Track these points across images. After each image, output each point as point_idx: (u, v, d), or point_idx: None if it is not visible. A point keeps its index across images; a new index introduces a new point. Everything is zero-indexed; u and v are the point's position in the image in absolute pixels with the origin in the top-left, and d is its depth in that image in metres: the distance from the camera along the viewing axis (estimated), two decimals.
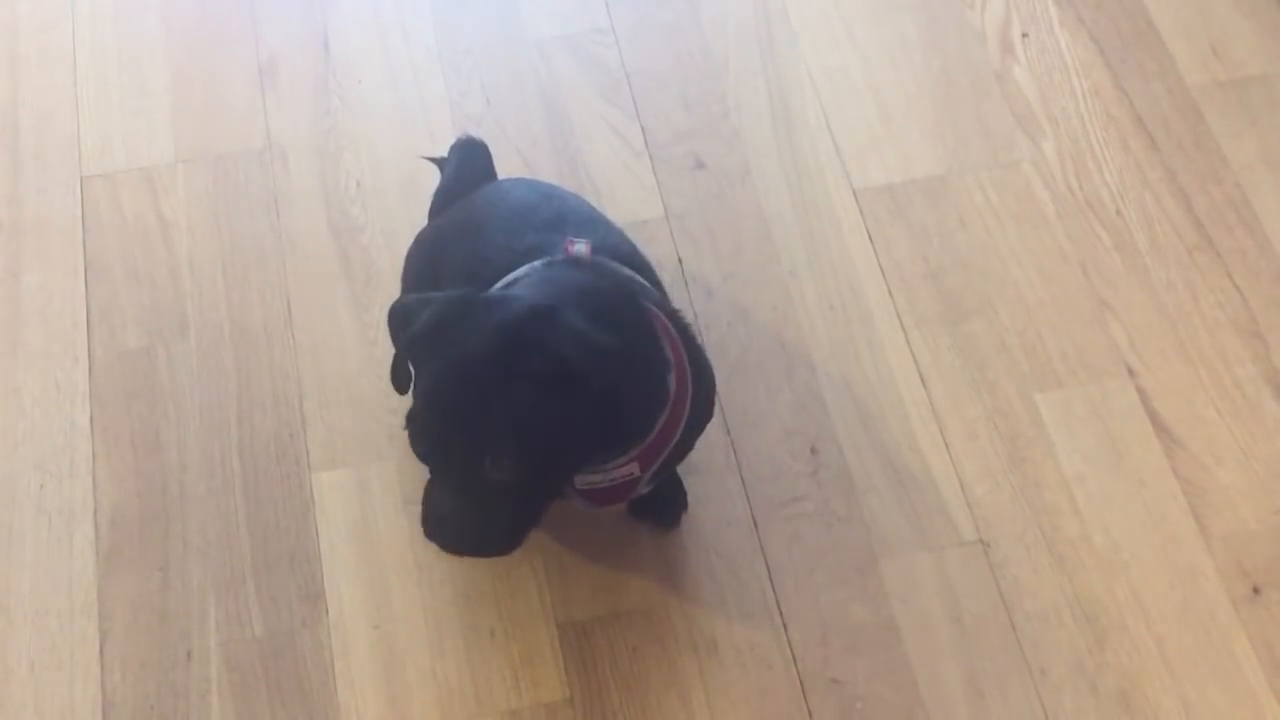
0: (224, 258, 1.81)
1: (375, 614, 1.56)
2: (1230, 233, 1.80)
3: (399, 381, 1.35)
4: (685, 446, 1.44)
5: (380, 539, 1.60)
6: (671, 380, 1.36)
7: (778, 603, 1.56)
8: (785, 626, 1.55)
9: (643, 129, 1.90)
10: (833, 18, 2.01)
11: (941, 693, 1.51)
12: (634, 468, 1.37)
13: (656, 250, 1.76)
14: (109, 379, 1.72)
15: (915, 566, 1.58)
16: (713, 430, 1.64)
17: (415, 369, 1.31)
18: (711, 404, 1.49)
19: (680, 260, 1.79)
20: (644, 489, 1.43)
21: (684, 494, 1.61)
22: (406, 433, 1.29)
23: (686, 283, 1.77)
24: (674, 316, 1.43)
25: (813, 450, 1.65)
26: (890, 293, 1.76)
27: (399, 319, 1.33)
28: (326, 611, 1.56)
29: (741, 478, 1.63)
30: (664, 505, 1.60)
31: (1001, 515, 1.61)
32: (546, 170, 1.86)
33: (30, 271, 1.81)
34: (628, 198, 1.83)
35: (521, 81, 1.95)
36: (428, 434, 1.27)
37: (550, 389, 1.21)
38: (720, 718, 1.50)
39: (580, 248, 1.38)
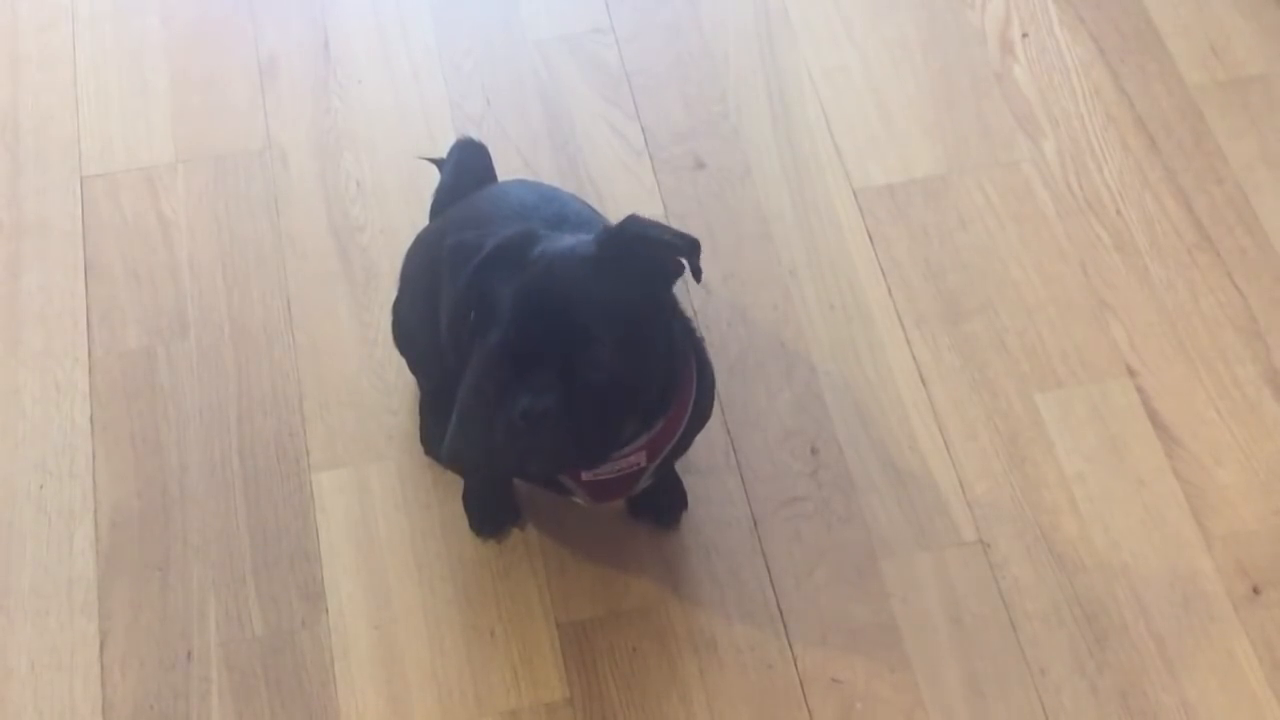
0: (224, 258, 1.81)
1: (375, 614, 1.56)
2: (1230, 233, 1.80)
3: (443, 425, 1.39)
4: (685, 443, 1.45)
5: (380, 539, 1.60)
6: (685, 365, 1.39)
7: (778, 603, 1.56)
8: (785, 626, 1.54)
9: (643, 129, 1.90)
10: (833, 18, 2.01)
11: (941, 693, 1.51)
12: (640, 457, 1.37)
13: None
14: (109, 379, 1.72)
15: (915, 566, 1.58)
16: (713, 430, 1.64)
17: (490, 290, 1.28)
18: (711, 401, 1.49)
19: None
20: (645, 483, 1.43)
21: (684, 493, 1.61)
22: (482, 357, 1.28)
23: (686, 282, 1.76)
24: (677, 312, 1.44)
25: (813, 450, 1.65)
26: (890, 293, 1.76)
27: (461, 252, 1.31)
28: (326, 611, 1.56)
29: (741, 478, 1.63)
30: (664, 505, 1.60)
31: (1001, 515, 1.61)
32: (546, 170, 1.86)
33: (30, 271, 1.81)
34: (628, 198, 1.83)
35: (521, 81, 1.95)
36: (522, 338, 1.25)
37: (643, 277, 1.29)
38: (720, 718, 1.50)
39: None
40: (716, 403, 1.65)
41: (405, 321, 1.60)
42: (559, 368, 1.24)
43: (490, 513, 1.60)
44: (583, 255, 1.28)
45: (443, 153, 1.73)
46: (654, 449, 1.38)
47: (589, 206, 1.57)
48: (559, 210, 1.49)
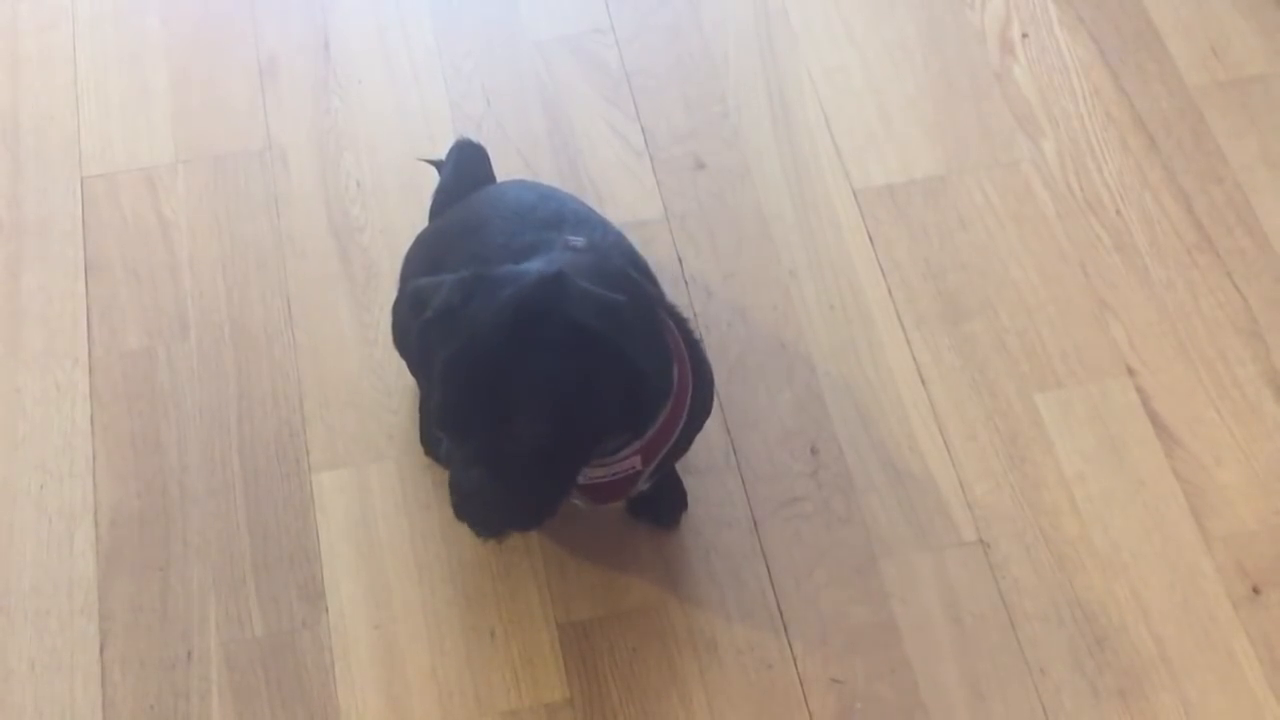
0: (224, 258, 1.81)
1: (375, 614, 1.56)
2: (1230, 233, 1.80)
3: (435, 428, 1.37)
4: (684, 444, 1.45)
5: (380, 539, 1.60)
6: (674, 373, 1.37)
7: (778, 603, 1.56)
8: (785, 626, 1.54)
9: (643, 129, 1.90)
10: (833, 18, 2.01)
11: (941, 693, 1.51)
12: (636, 461, 1.37)
13: (656, 250, 1.76)
14: (109, 379, 1.72)
15: (915, 566, 1.58)
16: (713, 430, 1.64)
17: (432, 350, 1.30)
18: (710, 401, 1.49)
19: (680, 260, 1.79)
20: (643, 485, 1.43)
21: (684, 494, 1.61)
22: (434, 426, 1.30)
23: (686, 283, 1.77)
24: (673, 313, 1.43)
25: (813, 450, 1.65)
26: (890, 293, 1.76)
27: (412, 303, 1.34)
28: (326, 611, 1.56)
29: (741, 478, 1.63)
30: (664, 505, 1.60)
31: (1001, 515, 1.61)
32: (546, 170, 1.86)
33: (30, 271, 1.81)
34: (628, 198, 1.83)
35: (521, 82, 1.95)
36: (449, 410, 1.27)
37: (566, 351, 1.24)
38: (720, 718, 1.50)
39: (579, 241, 1.40)
40: (716, 403, 1.65)
41: (405, 323, 1.59)
42: (485, 440, 1.25)
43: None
44: (503, 324, 1.24)
45: (442, 153, 1.73)
46: (649, 453, 1.38)
47: (587, 206, 1.57)
48: (557, 210, 1.49)
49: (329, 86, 1.96)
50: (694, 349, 1.44)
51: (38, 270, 1.81)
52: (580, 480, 1.37)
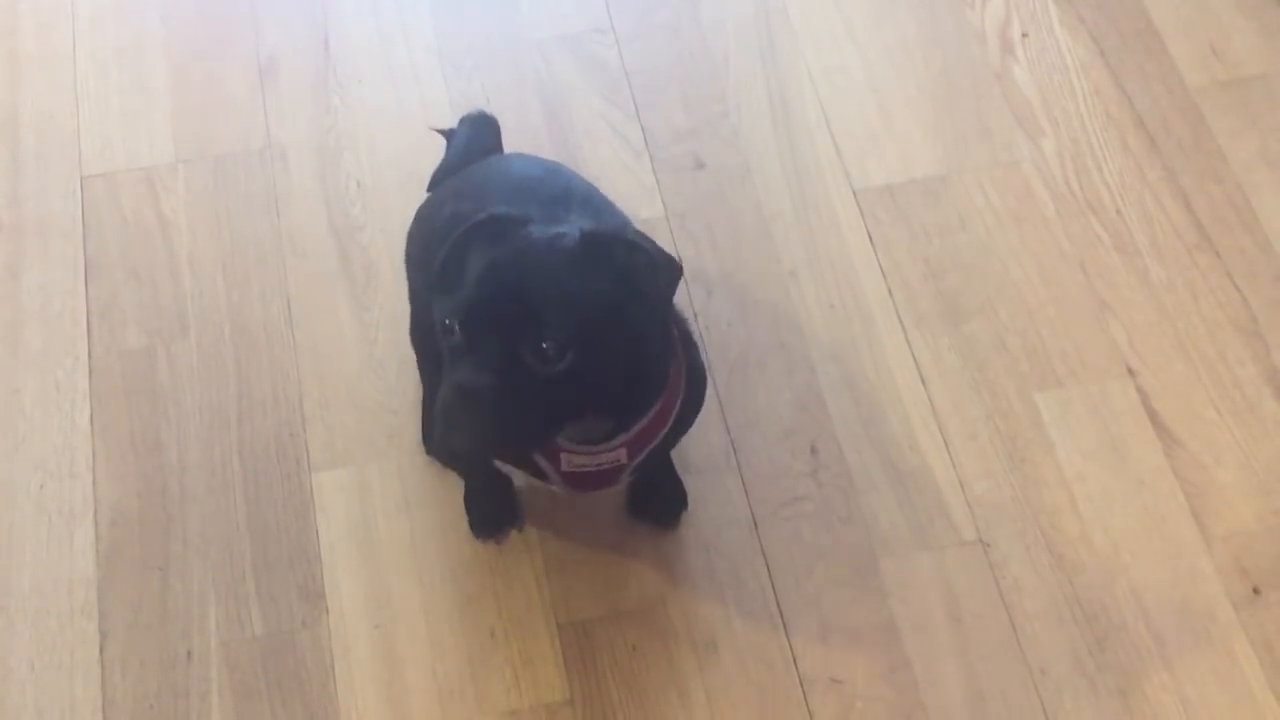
0: (224, 258, 1.81)
1: (375, 614, 1.56)
2: (1230, 233, 1.80)
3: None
4: (672, 440, 1.44)
5: (380, 539, 1.60)
6: (670, 369, 1.37)
7: (778, 603, 1.56)
8: (785, 626, 1.55)
9: (643, 129, 1.90)
10: (833, 17, 2.01)
11: (941, 692, 1.51)
12: (622, 454, 1.36)
13: None
14: (109, 379, 1.72)
15: (915, 566, 1.58)
16: (713, 430, 1.65)
17: (468, 257, 1.26)
18: (702, 397, 1.48)
19: (680, 260, 1.79)
20: (628, 478, 1.42)
21: (683, 493, 1.61)
22: (448, 324, 1.23)
23: (686, 282, 1.77)
24: (675, 311, 1.44)
25: (813, 450, 1.65)
26: (890, 293, 1.76)
27: (457, 221, 1.30)
28: (326, 611, 1.56)
29: (741, 478, 1.63)
30: (664, 505, 1.60)
31: (1001, 515, 1.61)
32: None
33: (30, 271, 1.81)
34: (628, 197, 1.83)
35: (521, 81, 1.95)
36: (478, 306, 1.22)
37: (616, 288, 1.24)
38: (720, 718, 1.50)
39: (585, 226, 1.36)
40: (716, 402, 1.66)
41: (418, 313, 1.56)
42: (505, 350, 1.21)
43: (490, 515, 1.60)
44: (562, 247, 1.24)
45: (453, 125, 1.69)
46: (635, 446, 1.37)
47: (591, 185, 1.54)
48: (564, 186, 1.47)
49: (329, 86, 1.96)
50: (691, 351, 1.44)
51: (38, 270, 1.81)
52: (565, 467, 1.36)
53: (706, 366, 1.56)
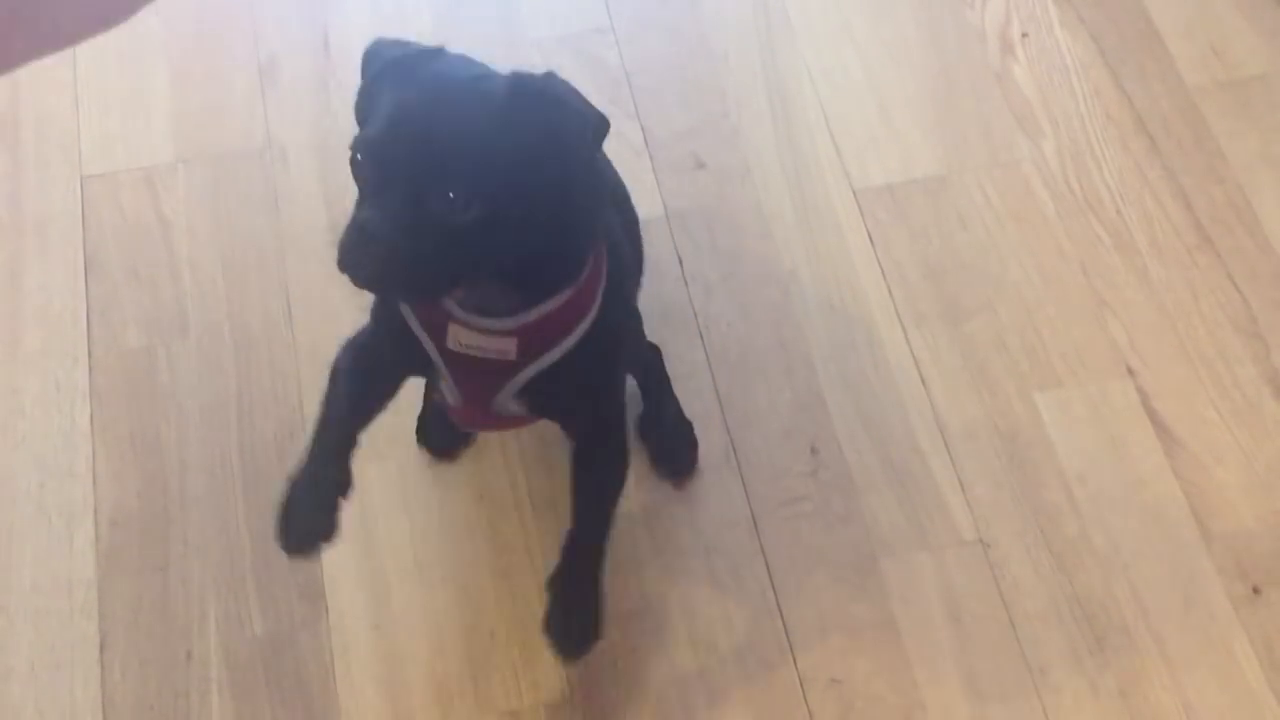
0: (224, 258, 1.81)
1: (375, 614, 1.56)
2: (1230, 233, 1.80)
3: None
4: (590, 377, 1.34)
5: (380, 539, 1.60)
6: (585, 274, 1.27)
7: (778, 603, 1.56)
8: (785, 626, 1.54)
9: (643, 129, 1.90)
10: (833, 17, 2.01)
11: (941, 693, 1.51)
12: (511, 345, 1.26)
13: (656, 250, 1.76)
14: (109, 379, 1.72)
15: (915, 566, 1.58)
16: (713, 430, 1.65)
17: (385, 96, 1.21)
18: (618, 344, 1.37)
19: (680, 260, 1.79)
20: (515, 408, 1.34)
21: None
22: (356, 157, 1.18)
23: (686, 282, 1.77)
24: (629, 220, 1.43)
25: (813, 450, 1.65)
26: (890, 293, 1.76)
27: (374, 54, 1.24)
28: (326, 611, 1.56)
29: (741, 477, 1.63)
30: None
31: (1001, 515, 1.61)
32: None
33: (30, 271, 1.81)
34: None
35: None
36: (387, 150, 1.15)
37: (537, 135, 1.15)
38: (720, 718, 1.50)
39: None
40: (717, 403, 1.66)
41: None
42: (410, 194, 1.14)
43: (306, 523, 1.40)
44: (483, 90, 1.16)
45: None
46: (526, 342, 1.26)
47: None
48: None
49: (329, 86, 1.96)
50: (615, 251, 1.33)
51: (38, 270, 1.81)
52: (450, 344, 1.28)
53: (634, 296, 1.46)
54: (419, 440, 1.65)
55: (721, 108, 1.93)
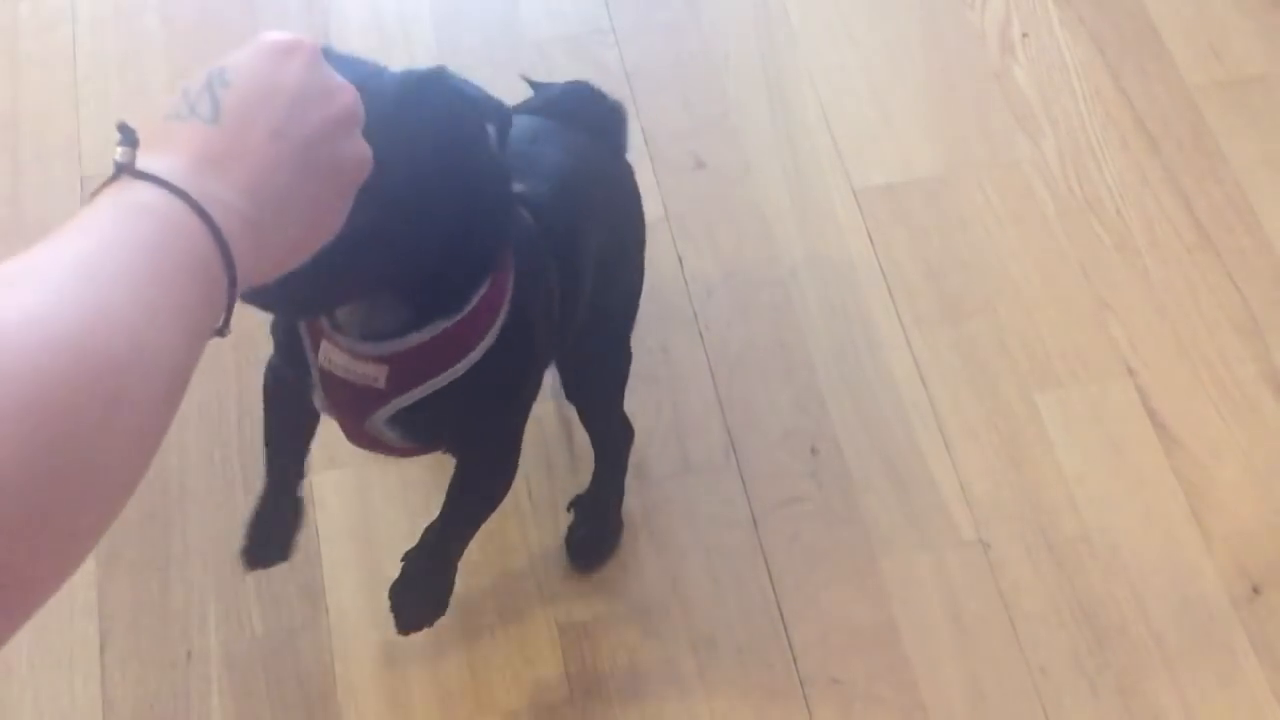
0: None
1: (375, 614, 1.56)
2: (1230, 233, 1.80)
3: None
4: (471, 417, 1.23)
5: (380, 539, 1.60)
6: (478, 296, 1.15)
7: (778, 603, 1.56)
8: (785, 626, 1.54)
9: (643, 129, 1.90)
10: (833, 17, 2.01)
11: (941, 693, 1.51)
12: (380, 374, 1.15)
13: (656, 250, 1.76)
14: None
15: (915, 566, 1.58)
16: (713, 430, 1.64)
17: None
18: (516, 386, 1.26)
19: (680, 260, 1.79)
20: (395, 439, 1.24)
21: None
22: None
23: (686, 282, 1.77)
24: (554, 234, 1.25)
25: (813, 450, 1.65)
26: (890, 293, 1.76)
27: None
28: (326, 611, 1.56)
29: (741, 477, 1.63)
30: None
31: (1001, 515, 1.61)
32: None
33: None
34: None
35: (522, 82, 1.95)
36: None
37: (433, 134, 1.05)
38: (720, 718, 1.50)
39: None
40: (717, 403, 1.65)
41: None
42: None
43: (266, 543, 1.44)
44: (369, 91, 1.00)
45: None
46: (398, 374, 1.15)
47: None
48: None
49: None
50: (526, 273, 1.18)
51: None
52: (321, 361, 1.17)
53: (548, 333, 1.28)
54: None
55: (721, 108, 1.93)
